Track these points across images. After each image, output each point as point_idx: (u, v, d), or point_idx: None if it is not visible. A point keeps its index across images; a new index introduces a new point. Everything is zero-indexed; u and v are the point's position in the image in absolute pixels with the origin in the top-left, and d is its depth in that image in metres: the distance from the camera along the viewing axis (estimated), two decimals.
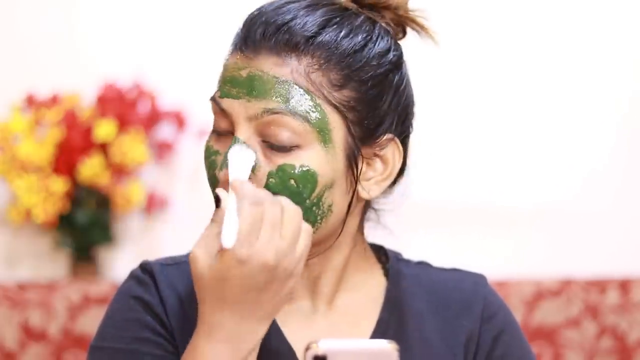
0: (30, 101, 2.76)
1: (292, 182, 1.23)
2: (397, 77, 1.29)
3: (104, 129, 2.69)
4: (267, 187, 1.22)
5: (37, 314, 2.56)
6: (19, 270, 2.84)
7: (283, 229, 1.15)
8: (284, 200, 1.17)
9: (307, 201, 1.24)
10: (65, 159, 2.71)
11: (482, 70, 2.88)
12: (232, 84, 1.25)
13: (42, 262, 2.84)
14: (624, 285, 2.68)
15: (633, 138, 2.91)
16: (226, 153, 1.23)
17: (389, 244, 1.40)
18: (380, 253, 1.38)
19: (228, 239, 1.13)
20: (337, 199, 1.27)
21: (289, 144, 1.23)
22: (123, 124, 2.72)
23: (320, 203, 1.25)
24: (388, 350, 1.08)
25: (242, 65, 1.25)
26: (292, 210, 1.17)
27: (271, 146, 1.23)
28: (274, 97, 1.23)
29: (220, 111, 1.26)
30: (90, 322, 2.53)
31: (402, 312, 1.31)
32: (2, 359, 2.55)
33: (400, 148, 1.30)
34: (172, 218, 2.87)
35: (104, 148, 2.71)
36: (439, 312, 1.33)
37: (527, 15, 2.90)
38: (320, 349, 1.07)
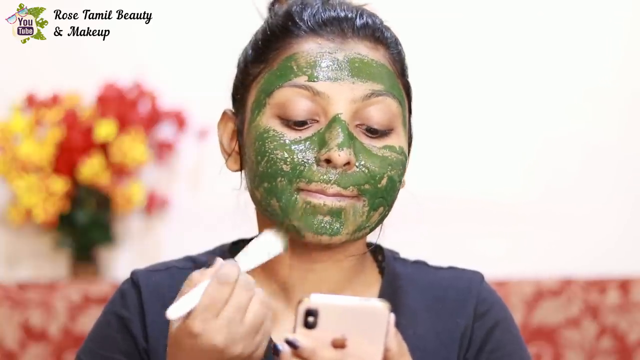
0: (31, 101, 2.76)
1: (393, 164, 1.24)
2: None
3: (104, 129, 2.69)
4: (371, 172, 1.22)
5: (37, 314, 2.56)
6: (19, 270, 2.84)
7: (247, 315, 1.12)
8: (259, 289, 1.13)
9: (398, 185, 1.26)
10: (65, 159, 2.71)
11: (480, 65, 2.88)
12: (327, 67, 1.23)
13: (42, 262, 2.84)
14: (624, 285, 2.68)
15: (633, 138, 2.91)
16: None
17: (387, 243, 1.39)
18: (377, 252, 1.38)
19: (172, 312, 1.11)
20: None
21: (388, 126, 1.24)
22: (123, 124, 2.72)
23: (398, 189, 1.27)
24: (379, 308, 1.08)
25: (332, 49, 1.24)
26: (262, 300, 1.13)
27: (368, 129, 1.23)
28: (377, 80, 1.24)
29: (308, 96, 1.23)
30: (90, 322, 2.53)
31: (395, 310, 1.30)
32: (2, 358, 2.55)
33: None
34: (172, 218, 2.87)
35: (104, 148, 2.71)
36: (433, 310, 1.33)
37: (521, 18, 2.90)
38: (312, 302, 1.08)
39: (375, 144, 1.23)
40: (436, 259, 1.42)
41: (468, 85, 2.89)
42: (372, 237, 1.36)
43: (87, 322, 2.54)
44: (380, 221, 1.26)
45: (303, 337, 1.08)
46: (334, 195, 1.21)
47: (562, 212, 2.89)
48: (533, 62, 2.89)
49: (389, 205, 1.26)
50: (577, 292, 2.66)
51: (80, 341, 2.53)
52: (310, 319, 1.07)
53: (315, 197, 1.21)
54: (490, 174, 2.90)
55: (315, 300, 1.08)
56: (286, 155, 1.21)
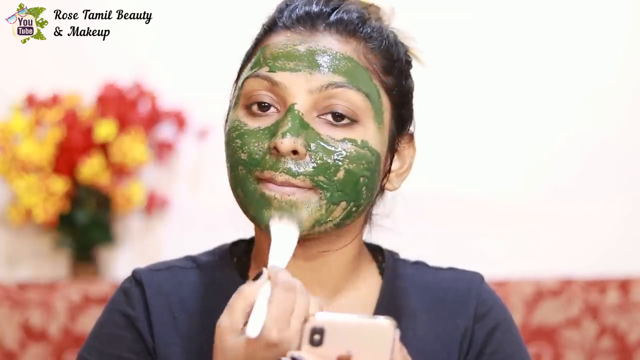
0: (31, 101, 2.76)
1: (351, 158, 1.23)
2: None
3: (104, 129, 2.69)
4: (325, 162, 1.21)
5: (37, 314, 2.56)
6: (19, 270, 2.84)
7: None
8: (310, 292, 1.15)
9: (361, 179, 1.24)
10: (65, 159, 2.71)
11: (482, 66, 2.89)
12: (287, 59, 1.24)
13: (42, 262, 2.84)
14: (624, 285, 2.68)
15: (634, 139, 2.91)
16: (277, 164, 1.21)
17: (387, 243, 1.39)
18: (377, 252, 1.38)
19: (254, 330, 1.11)
20: (373, 186, 1.27)
21: (350, 118, 1.23)
22: (123, 124, 2.72)
23: (367, 185, 1.25)
24: (385, 325, 1.08)
25: (298, 41, 1.25)
26: (315, 301, 1.14)
27: (329, 122, 1.23)
28: (338, 72, 1.24)
29: (268, 87, 1.24)
30: (90, 322, 2.53)
31: (396, 311, 1.30)
32: (2, 358, 2.55)
33: (415, 145, 1.33)
34: (172, 218, 2.87)
35: (104, 148, 2.71)
36: (433, 311, 1.33)
37: (525, 21, 2.90)
38: (317, 321, 1.08)
39: (334, 136, 1.23)
40: (437, 259, 1.42)
41: (470, 86, 2.89)
42: (371, 238, 1.37)
43: (87, 322, 2.54)
44: (348, 217, 1.25)
45: (309, 355, 1.08)
46: (282, 184, 1.21)
47: (562, 212, 2.89)
48: (535, 63, 2.89)
49: (354, 201, 1.24)
50: (577, 292, 2.66)
51: (81, 341, 2.54)
52: (316, 337, 1.08)
53: (267, 187, 1.22)
54: (490, 175, 2.90)
55: (320, 318, 1.08)
56: (244, 144, 1.23)
